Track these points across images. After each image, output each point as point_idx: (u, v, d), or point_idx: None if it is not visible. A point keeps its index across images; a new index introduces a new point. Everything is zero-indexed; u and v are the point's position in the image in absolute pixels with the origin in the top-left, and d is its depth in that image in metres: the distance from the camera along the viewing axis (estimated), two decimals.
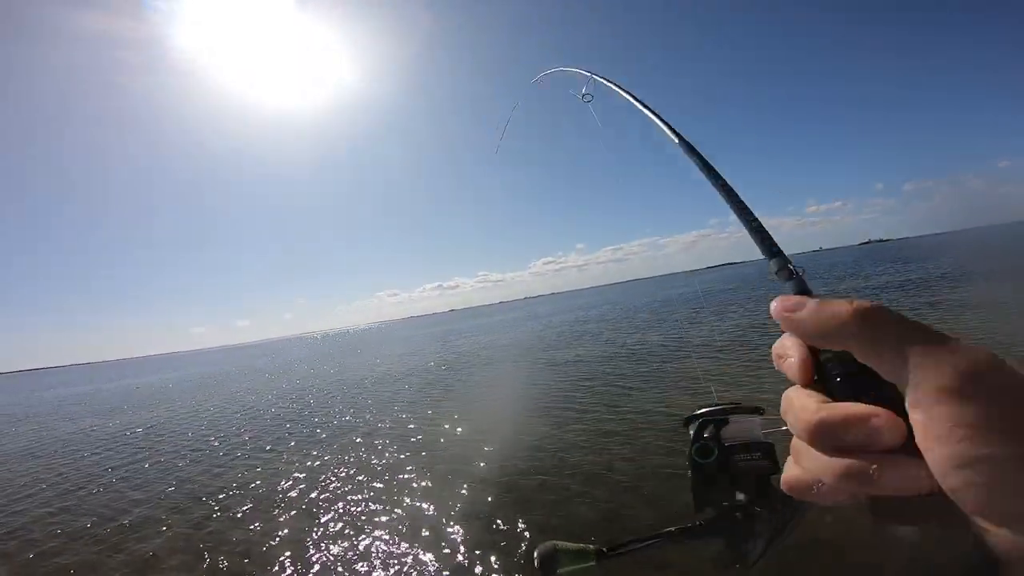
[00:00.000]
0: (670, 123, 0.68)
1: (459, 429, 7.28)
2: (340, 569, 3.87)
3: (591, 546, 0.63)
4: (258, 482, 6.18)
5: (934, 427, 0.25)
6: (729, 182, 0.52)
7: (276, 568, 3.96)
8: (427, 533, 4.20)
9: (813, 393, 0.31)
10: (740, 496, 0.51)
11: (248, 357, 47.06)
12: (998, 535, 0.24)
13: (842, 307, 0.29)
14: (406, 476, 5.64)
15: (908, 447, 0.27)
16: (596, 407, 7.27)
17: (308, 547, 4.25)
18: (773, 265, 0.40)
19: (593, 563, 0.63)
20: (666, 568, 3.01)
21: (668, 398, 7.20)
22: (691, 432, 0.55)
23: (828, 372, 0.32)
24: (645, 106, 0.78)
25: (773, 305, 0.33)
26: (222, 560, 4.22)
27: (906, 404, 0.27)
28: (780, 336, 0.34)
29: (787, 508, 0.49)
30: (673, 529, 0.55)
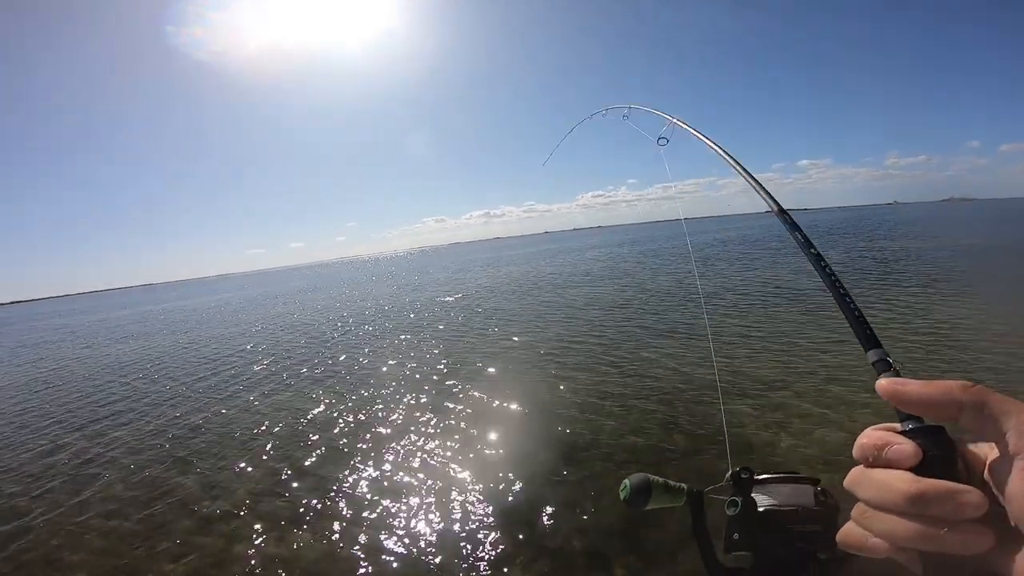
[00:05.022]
0: (766, 188, 0.68)
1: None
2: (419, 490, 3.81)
3: (685, 485, 0.63)
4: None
5: None
6: (830, 265, 0.51)
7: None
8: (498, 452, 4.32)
9: (896, 470, 0.33)
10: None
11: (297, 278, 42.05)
12: None
13: (949, 383, 0.32)
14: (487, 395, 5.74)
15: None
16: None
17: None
18: (872, 356, 0.40)
19: (683, 503, 0.63)
20: None
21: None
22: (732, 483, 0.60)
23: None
24: (740, 167, 0.76)
25: (883, 383, 0.35)
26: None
27: (991, 463, 0.31)
28: (866, 429, 0.36)
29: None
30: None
